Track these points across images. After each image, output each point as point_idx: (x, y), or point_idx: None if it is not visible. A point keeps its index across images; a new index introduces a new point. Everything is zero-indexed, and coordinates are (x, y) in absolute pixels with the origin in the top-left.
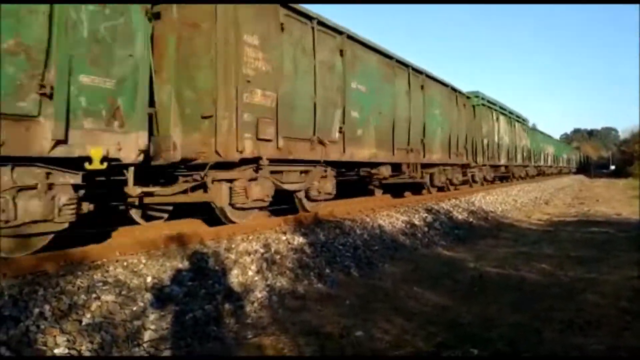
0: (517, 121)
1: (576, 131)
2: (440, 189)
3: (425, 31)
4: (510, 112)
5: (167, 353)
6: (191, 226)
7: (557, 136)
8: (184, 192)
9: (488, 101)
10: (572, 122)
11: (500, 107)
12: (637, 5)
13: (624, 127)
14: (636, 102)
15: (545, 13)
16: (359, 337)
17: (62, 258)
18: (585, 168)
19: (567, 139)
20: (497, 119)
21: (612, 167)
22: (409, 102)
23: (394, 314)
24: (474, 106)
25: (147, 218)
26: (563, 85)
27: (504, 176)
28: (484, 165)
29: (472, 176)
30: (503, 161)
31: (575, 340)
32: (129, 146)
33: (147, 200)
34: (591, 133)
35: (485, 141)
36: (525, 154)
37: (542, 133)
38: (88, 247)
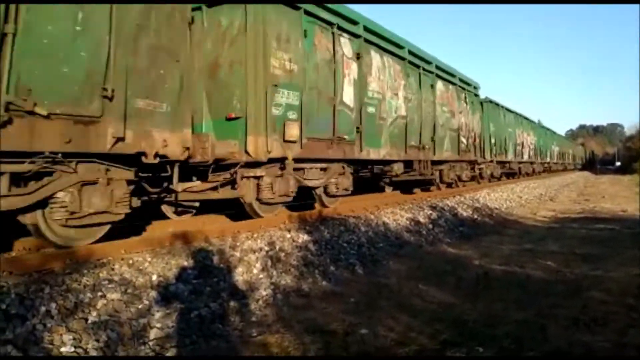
0: (445, 80)
1: (581, 127)
2: None
3: (427, 28)
4: (423, 60)
5: (172, 351)
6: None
7: (562, 132)
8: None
9: (326, 8)
10: (577, 118)
11: (382, 37)
12: (637, 5)
13: (629, 124)
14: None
15: (550, 9)
16: (364, 335)
17: (68, 256)
18: (591, 165)
19: (573, 135)
20: (360, 59)
21: (618, 164)
22: None
23: (399, 311)
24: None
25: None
26: (568, 81)
27: (418, 181)
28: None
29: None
30: (384, 152)
31: (581, 338)
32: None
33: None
34: (597, 129)
35: (303, 102)
36: (469, 142)
37: (510, 111)
38: (93, 245)
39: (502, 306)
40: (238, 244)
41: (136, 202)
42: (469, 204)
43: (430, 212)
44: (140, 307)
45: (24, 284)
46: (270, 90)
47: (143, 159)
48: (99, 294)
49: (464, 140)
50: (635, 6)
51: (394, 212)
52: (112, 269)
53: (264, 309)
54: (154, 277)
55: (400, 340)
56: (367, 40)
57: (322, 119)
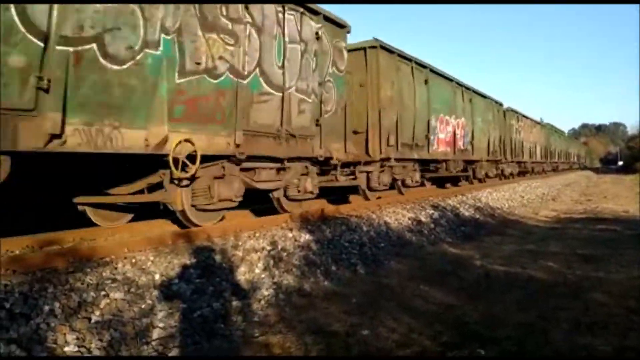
0: None
1: (584, 126)
2: None
3: (429, 28)
4: None
5: (175, 351)
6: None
7: (565, 130)
8: None
9: None
10: (580, 117)
11: None
12: (637, 5)
13: (632, 123)
14: None
15: (552, 8)
16: (366, 336)
17: (71, 255)
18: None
19: (575, 133)
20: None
21: (620, 163)
22: None
23: (400, 312)
24: None
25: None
26: (571, 80)
27: None
28: None
29: None
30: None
31: (582, 341)
32: None
33: None
34: (599, 128)
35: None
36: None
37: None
38: (96, 244)
39: (503, 307)
40: (240, 243)
41: None
42: (471, 204)
43: (432, 211)
44: (143, 306)
45: (27, 283)
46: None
47: None
48: (102, 293)
49: None
50: (635, 6)
51: (395, 212)
52: (115, 268)
53: (266, 308)
54: (157, 277)
55: (402, 341)
56: None
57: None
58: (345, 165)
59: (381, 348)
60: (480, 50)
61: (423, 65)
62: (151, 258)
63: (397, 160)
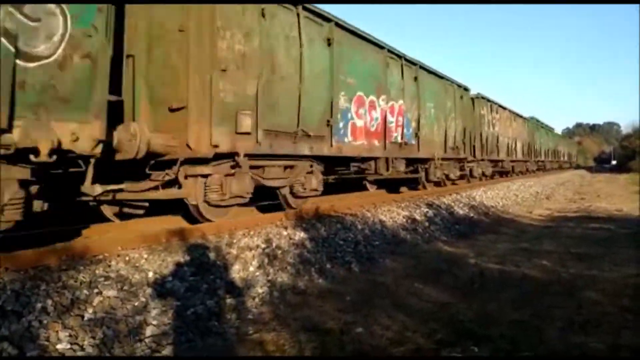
0: None
1: (578, 125)
2: None
3: (423, 28)
4: None
5: (168, 348)
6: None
7: (559, 130)
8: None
9: None
10: (574, 116)
11: None
12: (637, 5)
13: (626, 122)
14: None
15: (549, 10)
16: (360, 334)
17: (64, 252)
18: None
19: (569, 133)
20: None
21: (614, 162)
22: None
23: (395, 310)
24: None
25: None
26: (565, 80)
27: None
28: None
29: None
30: None
31: (575, 339)
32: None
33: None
34: (593, 127)
35: None
36: None
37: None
38: (89, 241)
39: (497, 306)
40: (235, 241)
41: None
42: (465, 202)
43: (427, 210)
44: (136, 304)
45: (19, 280)
46: None
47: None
48: (95, 290)
49: None
50: (634, 6)
51: (390, 210)
52: (109, 266)
53: (261, 306)
54: (150, 274)
55: (396, 339)
56: None
57: None
58: (160, 164)
59: (375, 346)
60: (478, 49)
61: (322, 17)
62: (145, 256)
63: (257, 157)
